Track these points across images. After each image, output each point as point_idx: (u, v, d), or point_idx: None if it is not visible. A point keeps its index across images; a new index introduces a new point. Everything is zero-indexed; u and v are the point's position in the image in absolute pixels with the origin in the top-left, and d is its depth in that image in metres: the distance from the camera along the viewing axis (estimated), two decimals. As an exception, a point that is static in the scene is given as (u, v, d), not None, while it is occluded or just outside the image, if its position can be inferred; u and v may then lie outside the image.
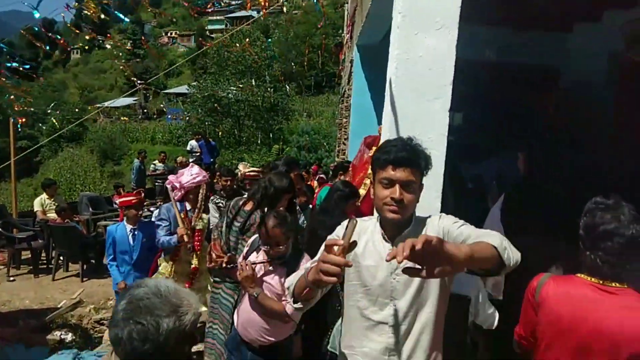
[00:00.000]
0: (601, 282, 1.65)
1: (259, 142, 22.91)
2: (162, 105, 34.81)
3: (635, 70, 3.03)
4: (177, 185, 3.85)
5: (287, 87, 24.61)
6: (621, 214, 1.64)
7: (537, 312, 1.79)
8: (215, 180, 6.91)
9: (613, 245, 1.61)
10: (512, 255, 1.42)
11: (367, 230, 1.71)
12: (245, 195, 3.68)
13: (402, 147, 1.59)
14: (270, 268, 2.42)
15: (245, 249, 2.66)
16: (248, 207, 3.10)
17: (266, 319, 2.36)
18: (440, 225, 1.63)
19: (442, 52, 2.05)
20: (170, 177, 3.98)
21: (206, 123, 22.27)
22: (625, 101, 3.53)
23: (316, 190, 5.50)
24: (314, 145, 20.66)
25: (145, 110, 34.27)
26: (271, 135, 23.26)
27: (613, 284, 1.63)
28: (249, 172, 4.63)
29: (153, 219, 5.77)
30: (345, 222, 1.29)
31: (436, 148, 2.07)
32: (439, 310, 1.65)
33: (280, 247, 2.35)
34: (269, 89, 22.67)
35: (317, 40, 27.69)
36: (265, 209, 3.03)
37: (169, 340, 1.22)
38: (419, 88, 2.07)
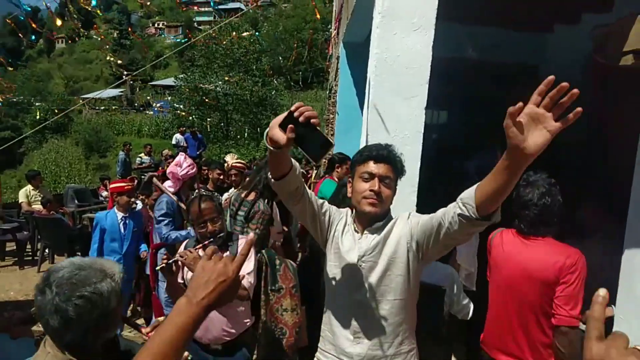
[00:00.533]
0: (524, 236, 2.16)
1: (246, 136, 22.84)
2: (148, 98, 34.41)
3: (604, 71, 3.16)
4: (180, 177, 3.80)
5: (276, 81, 24.56)
6: (536, 188, 2.10)
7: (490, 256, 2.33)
8: (205, 173, 6.92)
9: (530, 213, 2.10)
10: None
11: (346, 220, 1.81)
12: (232, 189, 3.74)
13: (383, 147, 1.74)
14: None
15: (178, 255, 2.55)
16: (250, 197, 3.24)
17: (225, 310, 2.33)
18: (410, 219, 1.73)
19: (419, 52, 2.13)
20: (172, 169, 3.88)
21: (193, 116, 22.13)
22: (597, 101, 3.66)
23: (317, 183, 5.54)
24: (302, 141, 20.63)
25: (135, 104, 33.88)
26: (259, 130, 23.19)
27: (533, 237, 2.13)
28: (235, 162, 4.69)
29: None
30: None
31: (412, 144, 2.16)
32: (406, 297, 1.72)
33: (216, 223, 2.35)
34: (257, 83, 22.58)
35: (307, 35, 27.62)
36: (267, 200, 3.22)
37: (112, 303, 1.28)
38: (396, 87, 2.15)
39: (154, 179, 3.91)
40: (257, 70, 22.89)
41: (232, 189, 4.73)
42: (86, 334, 1.26)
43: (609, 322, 2.32)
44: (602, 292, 0.70)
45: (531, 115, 1.14)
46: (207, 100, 21.79)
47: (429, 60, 2.14)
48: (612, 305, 2.38)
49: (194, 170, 3.87)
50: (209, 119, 22.45)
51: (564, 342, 2.01)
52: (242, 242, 2.45)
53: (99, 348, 1.32)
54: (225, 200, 4.37)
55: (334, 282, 1.77)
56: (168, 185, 3.86)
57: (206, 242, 2.32)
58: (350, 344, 1.73)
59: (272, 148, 1.41)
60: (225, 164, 5.14)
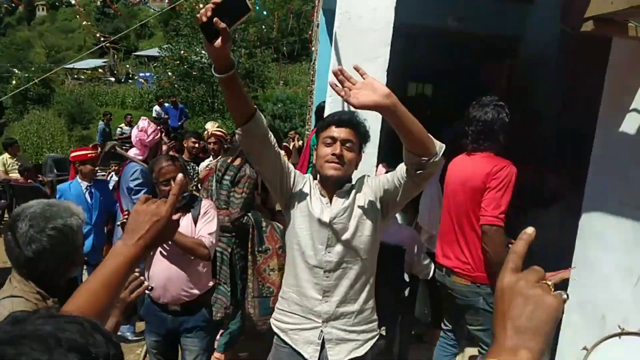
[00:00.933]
0: (468, 154, 2.43)
1: (232, 109, 22.58)
2: (127, 67, 33.62)
3: (574, 42, 3.18)
4: (147, 143, 3.73)
5: (262, 53, 24.14)
6: (482, 107, 2.34)
7: None
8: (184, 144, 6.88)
9: (474, 128, 2.36)
10: (442, 147, 1.59)
11: (310, 184, 1.85)
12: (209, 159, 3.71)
13: (345, 112, 1.80)
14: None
15: None
16: (236, 163, 3.28)
17: (185, 270, 2.34)
18: (370, 181, 1.81)
19: (382, 13, 2.13)
20: (140, 136, 3.73)
21: (178, 88, 21.77)
22: (571, 72, 3.70)
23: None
24: (289, 115, 20.52)
25: (115, 72, 33.16)
26: (245, 102, 22.82)
27: (473, 153, 2.39)
28: (214, 130, 4.67)
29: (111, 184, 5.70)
30: None
31: (373, 106, 2.17)
32: (372, 256, 1.80)
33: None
34: (243, 54, 22.17)
35: (295, 5, 27.13)
36: (252, 165, 3.19)
37: (79, 238, 1.38)
38: (359, 47, 2.16)
39: (117, 149, 3.83)
40: (242, 41, 22.42)
41: (210, 158, 4.72)
42: (57, 265, 1.34)
43: (565, 283, 2.41)
44: (529, 230, 0.72)
45: (351, 89, 1.48)
46: (192, 71, 21.40)
47: (391, 22, 2.14)
48: (572, 267, 2.47)
49: (158, 135, 3.82)
50: (194, 91, 22.12)
51: (486, 240, 2.21)
52: (205, 203, 2.46)
53: (63, 284, 1.39)
54: (205, 168, 4.37)
55: (302, 244, 1.78)
56: (134, 153, 3.76)
57: None
58: (318, 303, 1.78)
59: (220, 75, 1.42)
60: (205, 132, 5.12)
